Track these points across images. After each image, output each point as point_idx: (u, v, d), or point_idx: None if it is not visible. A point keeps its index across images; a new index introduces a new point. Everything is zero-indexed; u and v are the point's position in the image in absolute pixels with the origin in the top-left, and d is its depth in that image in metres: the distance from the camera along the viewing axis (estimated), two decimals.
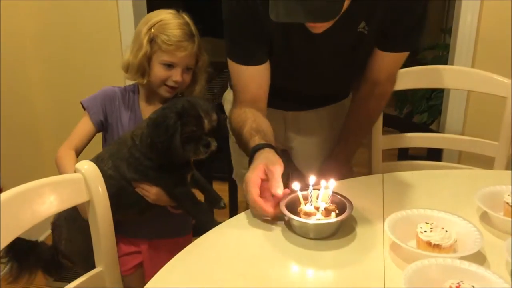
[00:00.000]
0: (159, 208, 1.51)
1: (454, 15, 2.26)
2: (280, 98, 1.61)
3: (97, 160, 1.46)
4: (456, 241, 1.09)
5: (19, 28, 2.42)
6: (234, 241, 1.21)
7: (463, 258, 1.02)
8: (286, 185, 1.26)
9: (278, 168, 1.25)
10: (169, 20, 1.52)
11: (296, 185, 1.23)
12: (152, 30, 1.51)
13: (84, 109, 1.59)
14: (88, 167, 1.23)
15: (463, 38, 2.19)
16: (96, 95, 1.60)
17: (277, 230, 1.22)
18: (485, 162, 1.86)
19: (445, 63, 2.43)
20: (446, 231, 1.09)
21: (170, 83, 1.53)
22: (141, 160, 1.43)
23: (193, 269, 1.10)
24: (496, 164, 1.81)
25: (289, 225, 1.22)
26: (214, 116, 1.42)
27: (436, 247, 1.07)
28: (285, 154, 1.90)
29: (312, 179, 1.24)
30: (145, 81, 1.54)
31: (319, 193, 1.23)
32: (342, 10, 1.20)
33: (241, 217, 1.30)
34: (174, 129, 1.35)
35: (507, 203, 1.21)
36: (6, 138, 2.38)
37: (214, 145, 1.41)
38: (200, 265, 1.11)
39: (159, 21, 1.52)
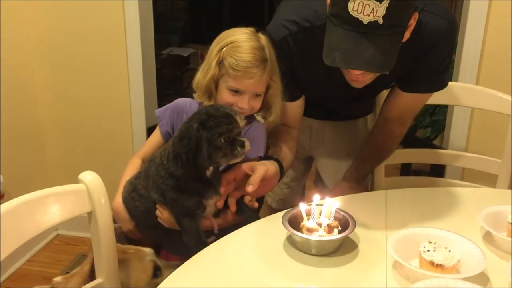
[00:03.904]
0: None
1: (459, 31, 2.26)
2: (306, 105, 1.65)
3: (136, 177, 1.47)
4: (459, 261, 1.08)
5: (24, 29, 2.42)
6: (235, 256, 1.20)
7: (466, 279, 1.01)
8: (303, 194, 1.29)
9: (264, 169, 1.37)
10: (242, 43, 1.40)
11: (300, 200, 1.23)
12: (223, 50, 1.41)
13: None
14: (91, 178, 1.22)
15: (468, 54, 2.19)
16: (168, 106, 1.54)
17: (279, 246, 1.21)
18: (488, 179, 1.86)
19: (450, 79, 2.43)
20: (450, 251, 1.08)
21: (236, 108, 1.41)
22: (165, 178, 1.35)
23: (194, 283, 1.09)
24: (499, 182, 1.80)
25: (291, 240, 1.21)
26: (241, 115, 1.34)
27: (439, 267, 1.06)
28: (308, 162, 1.96)
29: (315, 195, 1.24)
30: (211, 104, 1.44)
31: (322, 209, 1.23)
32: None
33: (243, 232, 1.29)
34: (197, 137, 1.27)
35: (511, 224, 1.21)
36: (8, 141, 2.38)
37: (248, 144, 1.32)
38: (201, 279, 1.11)
39: (231, 42, 1.41)
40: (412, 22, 1.30)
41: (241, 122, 1.32)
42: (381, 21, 1.19)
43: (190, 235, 1.35)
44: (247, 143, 1.32)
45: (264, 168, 1.39)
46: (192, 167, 1.30)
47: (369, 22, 1.20)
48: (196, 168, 1.30)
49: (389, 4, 1.18)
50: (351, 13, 1.20)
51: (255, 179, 1.36)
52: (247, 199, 1.41)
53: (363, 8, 1.19)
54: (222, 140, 1.28)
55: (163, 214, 1.40)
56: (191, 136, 1.28)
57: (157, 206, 1.40)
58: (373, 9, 1.18)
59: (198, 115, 1.32)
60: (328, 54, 1.28)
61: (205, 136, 1.27)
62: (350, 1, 1.20)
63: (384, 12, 1.19)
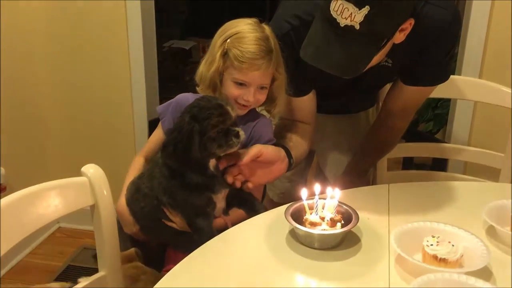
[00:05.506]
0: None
1: (462, 24, 2.25)
2: None
3: (139, 177, 1.45)
4: (462, 255, 1.08)
5: (26, 28, 2.42)
6: (238, 250, 1.20)
7: (469, 273, 1.00)
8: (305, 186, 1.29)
9: (257, 148, 1.35)
10: (246, 33, 1.38)
11: (303, 193, 1.23)
12: (227, 42, 1.39)
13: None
14: (93, 171, 1.22)
15: (471, 48, 2.18)
16: (170, 102, 1.50)
17: (282, 239, 1.21)
18: (491, 173, 1.85)
19: (452, 72, 2.42)
20: (453, 245, 1.08)
21: (241, 101, 1.41)
22: (170, 179, 1.33)
23: (197, 277, 1.09)
24: (502, 176, 1.80)
25: (294, 234, 1.21)
26: (233, 105, 1.33)
27: (442, 261, 1.06)
28: (310, 156, 1.93)
29: (317, 188, 1.24)
30: None
31: (325, 203, 1.23)
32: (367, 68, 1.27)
33: (246, 226, 1.29)
34: (188, 130, 1.26)
35: None
36: (10, 134, 2.37)
37: (242, 133, 1.30)
38: (204, 273, 1.11)
39: (235, 33, 1.38)
40: (408, 27, 1.29)
41: (233, 112, 1.30)
42: (357, 26, 1.19)
43: (204, 235, 1.31)
44: (241, 133, 1.30)
45: (258, 147, 1.37)
46: (184, 159, 1.28)
47: (345, 26, 1.20)
48: (188, 160, 1.28)
49: (368, 12, 1.17)
50: (331, 12, 1.20)
51: (247, 155, 1.34)
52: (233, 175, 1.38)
53: (342, 11, 1.19)
54: (215, 131, 1.27)
55: (175, 218, 1.38)
56: (182, 129, 1.27)
57: (167, 210, 1.38)
58: (351, 13, 1.18)
59: (190, 108, 1.31)
60: (304, 47, 1.29)
61: (197, 129, 1.26)
62: (333, 0, 1.20)
63: (362, 18, 1.18)
